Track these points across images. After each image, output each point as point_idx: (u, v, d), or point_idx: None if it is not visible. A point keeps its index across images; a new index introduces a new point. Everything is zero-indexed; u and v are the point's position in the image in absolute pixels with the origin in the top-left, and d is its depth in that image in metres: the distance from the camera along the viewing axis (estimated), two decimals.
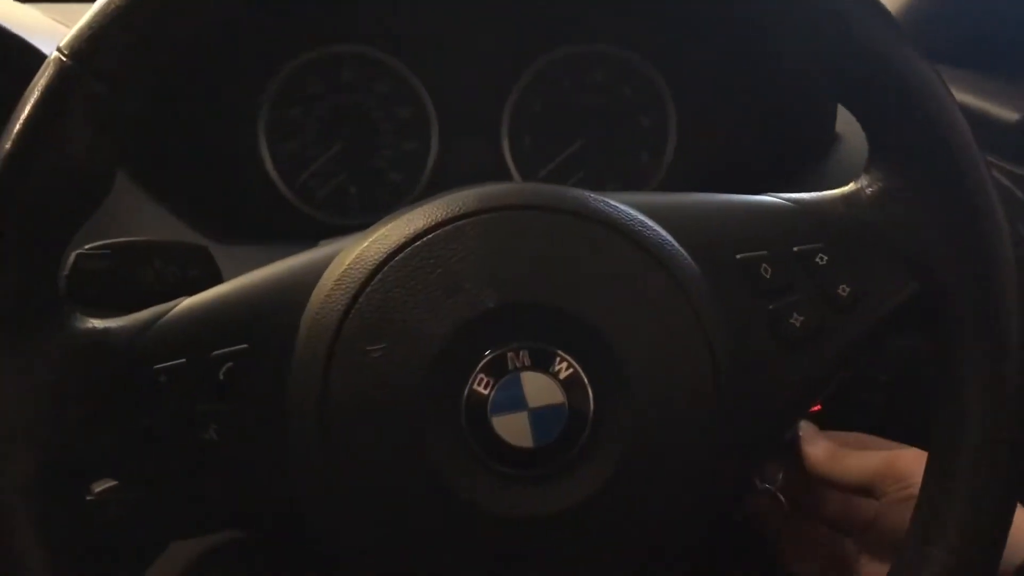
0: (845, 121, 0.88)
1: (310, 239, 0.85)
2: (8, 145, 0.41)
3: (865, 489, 0.61)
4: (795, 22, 0.47)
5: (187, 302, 0.47)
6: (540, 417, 0.42)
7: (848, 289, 0.48)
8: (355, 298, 0.44)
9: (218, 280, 0.61)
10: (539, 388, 0.43)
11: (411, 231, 0.45)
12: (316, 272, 0.47)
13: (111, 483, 0.54)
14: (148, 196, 0.82)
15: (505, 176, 0.96)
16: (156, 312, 0.46)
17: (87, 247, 0.56)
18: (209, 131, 0.91)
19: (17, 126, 0.41)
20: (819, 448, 0.63)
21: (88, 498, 0.54)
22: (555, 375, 0.43)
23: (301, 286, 0.46)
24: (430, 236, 0.44)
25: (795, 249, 0.48)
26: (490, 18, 0.93)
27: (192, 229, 0.81)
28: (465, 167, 0.96)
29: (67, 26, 0.89)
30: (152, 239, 0.58)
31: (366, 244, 0.45)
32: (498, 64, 0.94)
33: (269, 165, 0.92)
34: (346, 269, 0.45)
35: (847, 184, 0.51)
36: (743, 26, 0.80)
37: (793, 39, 0.48)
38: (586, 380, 0.43)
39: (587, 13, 0.93)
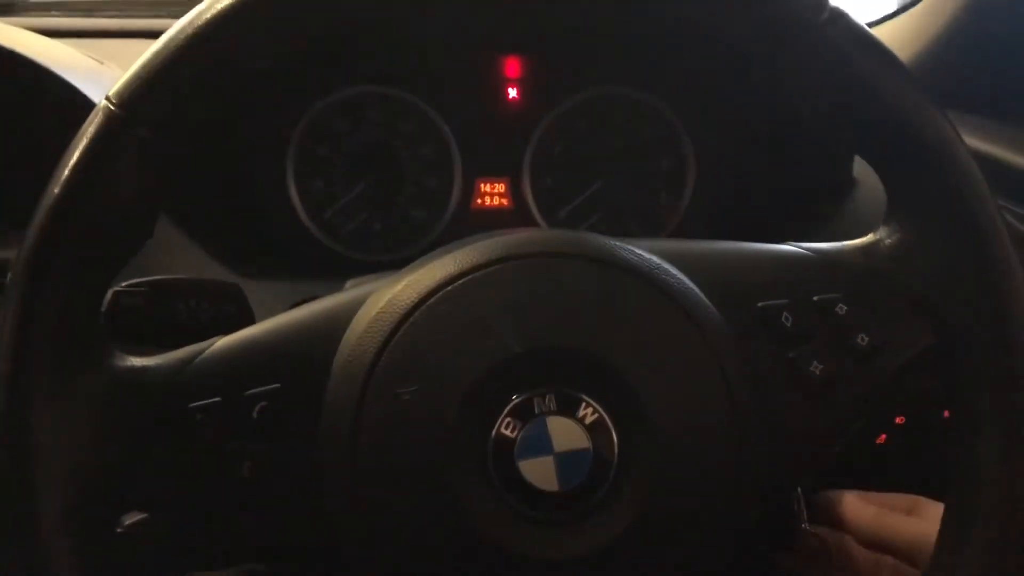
0: (863, 166, 0.90)
1: (335, 275, 0.86)
2: (57, 190, 0.43)
3: (910, 557, 0.60)
4: (812, 75, 0.48)
5: (222, 342, 0.48)
6: (566, 461, 0.44)
7: (867, 339, 0.49)
8: (386, 341, 0.45)
9: (250, 317, 0.62)
10: (565, 433, 0.44)
11: (442, 276, 0.46)
12: (348, 314, 0.48)
13: (140, 516, 0.55)
14: (179, 231, 0.84)
15: (526, 215, 0.97)
16: (192, 351, 0.48)
17: (125, 284, 0.58)
18: (239, 169, 0.93)
19: (66, 172, 0.43)
20: (866, 512, 0.62)
21: (118, 530, 0.55)
22: (580, 420, 0.44)
23: (333, 328, 0.48)
24: (460, 282, 0.46)
25: (815, 298, 0.49)
26: (514, 61, 0.95)
27: (222, 265, 0.83)
28: (487, 206, 0.98)
29: (98, 60, 0.92)
30: (187, 277, 0.59)
31: (398, 288, 0.47)
32: (520, 105, 0.96)
33: (297, 202, 0.94)
34: (378, 313, 0.46)
35: (864, 229, 0.52)
36: (761, 73, 0.81)
37: (811, 92, 0.49)
38: (611, 425, 0.44)
39: (608, 57, 0.94)
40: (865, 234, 0.52)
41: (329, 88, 0.93)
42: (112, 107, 0.43)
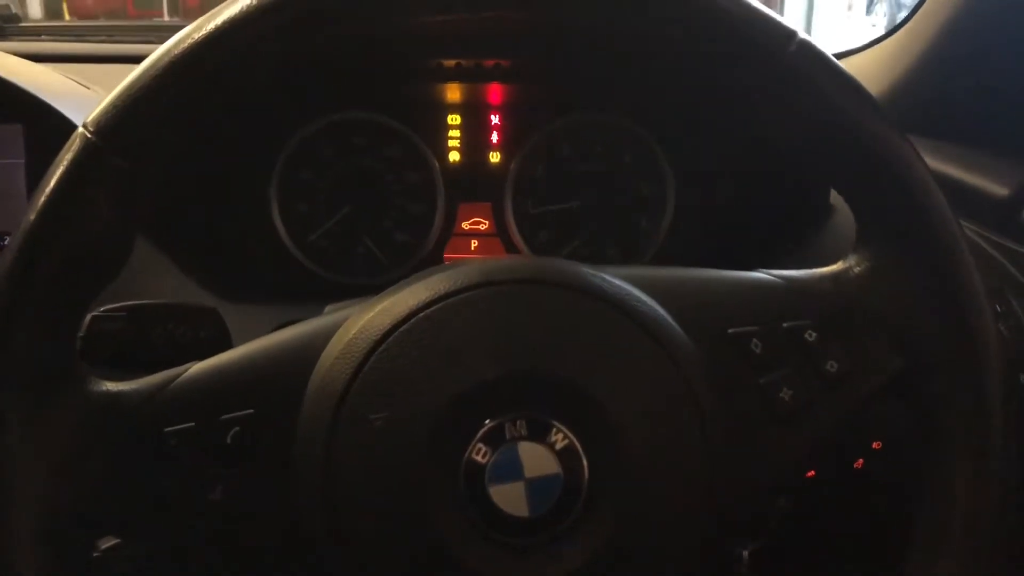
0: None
1: (318, 299, 0.87)
2: (32, 216, 0.43)
3: None
4: (782, 104, 0.49)
5: (197, 367, 0.49)
6: (536, 487, 0.44)
7: (836, 365, 0.49)
8: (359, 367, 0.45)
9: (228, 342, 0.63)
10: (536, 458, 0.44)
11: (415, 303, 0.47)
12: (322, 339, 0.49)
13: (116, 540, 0.55)
14: (160, 254, 0.84)
15: (508, 239, 0.98)
16: (167, 376, 0.48)
17: (102, 309, 0.58)
18: (221, 192, 0.94)
19: (42, 198, 0.43)
20: None
21: (94, 554, 0.55)
22: (551, 445, 0.44)
23: (307, 353, 0.48)
24: (433, 308, 0.46)
25: (785, 325, 0.50)
26: (496, 88, 0.96)
27: (203, 288, 0.83)
28: (470, 230, 0.98)
29: (85, 86, 0.92)
30: (165, 302, 0.60)
31: (372, 314, 0.47)
32: (503, 131, 0.97)
33: (279, 226, 0.95)
34: (352, 338, 0.46)
35: (843, 256, 0.53)
36: (739, 102, 0.82)
37: (781, 120, 0.50)
38: (581, 451, 0.45)
39: (590, 84, 0.95)
40: (839, 260, 0.53)
41: (314, 113, 0.94)
42: (89, 135, 0.44)
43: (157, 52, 0.45)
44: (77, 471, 0.46)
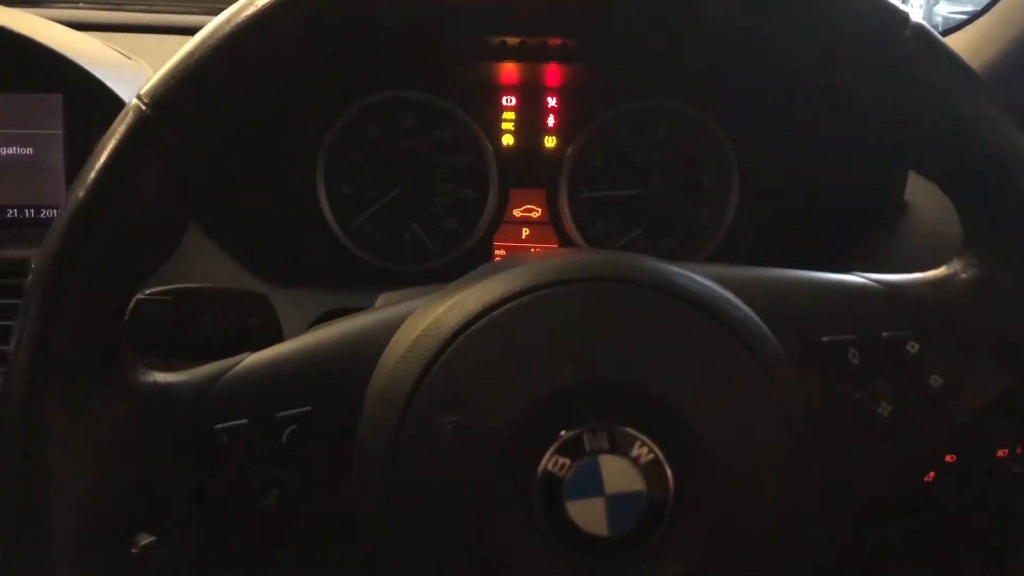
0: (915, 189, 0.86)
1: (364, 285, 0.84)
2: (81, 193, 0.40)
3: None
4: (889, 92, 0.45)
5: (251, 359, 0.45)
6: (617, 504, 0.40)
7: (940, 380, 0.45)
8: (427, 368, 0.42)
9: (277, 330, 0.59)
10: (617, 473, 0.40)
11: (487, 300, 0.43)
12: (384, 334, 0.45)
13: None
14: (204, 236, 0.81)
15: (561, 228, 0.94)
16: (220, 368, 0.45)
17: (148, 292, 0.55)
18: (268, 173, 0.91)
19: (92, 173, 0.40)
20: None
21: (132, 551, 0.52)
22: (635, 460, 0.41)
23: (368, 349, 0.45)
24: (507, 307, 0.43)
25: (884, 335, 0.46)
26: (554, 69, 0.92)
27: (248, 271, 0.80)
28: (521, 217, 0.95)
29: (126, 56, 0.90)
30: (213, 286, 0.57)
31: (441, 310, 0.44)
32: (560, 114, 0.93)
33: (326, 208, 0.92)
34: (419, 336, 0.43)
35: (917, 256, 0.49)
36: (820, 91, 0.78)
37: (884, 108, 0.46)
38: (666, 466, 0.41)
39: (653, 68, 0.91)
40: (917, 261, 0.50)
41: (363, 92, 0.91)
42: (143, 107, 0.41)
43: (215, 22, 0.42)
44: (121, 467, 0.43)
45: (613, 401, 0.41)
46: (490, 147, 0.93)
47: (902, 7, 0.44)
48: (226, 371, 0.45)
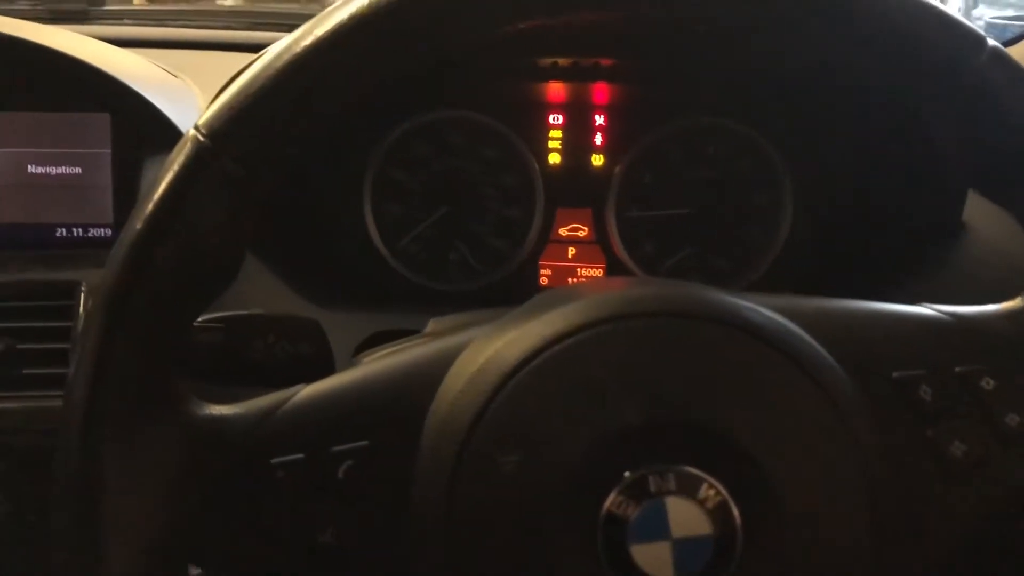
0: (974, 211, 0.84)
1: (411, 304, 0.83)
2: (139, 225, 0.40)
3: None
4: (962, 114, 0.44)
5: (306, 392, 0.45)
6: (684, 548, 0.39)
7: (1018, 419, 0.44)
8: (487, 403, 0.41)
9: (329, 356, 0.59)
10: (684, 516, 0.39)
11: (549, 333, 0.42)
12: (440, 366, 0.44)
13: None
14: (251, 256, 0.81)
15: (608, 247, 0.93)
16: (275, 400, 0.44)
17: (200, 319, 0.54)
18: (314, 193, 0.90)
19: (151, 204, 0.40)
20: None
21: None
22: (702, 502, 0.39)
23: (425, 381, 0.44)
24: (569, 341, 0.41)
25: (957, 370, 0.44)
26: (602, 88, 0.91)
27: (295, 293, 0.80)
28: (568, 237, 0.94)
29: (171, 73, 0.90)
30: (265, 313, 0.56)
31: (500, 344, 0.43)
32: (608, 133, 0.92)
33: (372, 228, 0.91)
34: (477, 370, 0.42)
35: (976, 281, 0.47)
36: (880, 111, 0.77)
37: (955, 130, 0.45)
38: (734, 508, 0.39)
39: (704, 86, 0.90)
40: (975, 286, 0.48)
41: (411, 112, 0.90)
42: (202, 138, 0.40)
43: (273, 51, 0.41)
44: (175, 497, 0.42)
45: (679, 441, 0.40)
46: (537, 166, 0.92)
47: (978, 31, 0.43)
48: (282, 403, 0.44)
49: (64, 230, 0.85)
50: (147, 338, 0.41)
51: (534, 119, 0.92)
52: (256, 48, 1.05)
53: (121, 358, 0.40)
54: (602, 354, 0.41)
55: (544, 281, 0.95)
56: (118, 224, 0.83)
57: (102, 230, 0.84)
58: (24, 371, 0.70)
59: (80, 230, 0.85)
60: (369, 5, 0.40)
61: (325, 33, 0.40)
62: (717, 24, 0.44)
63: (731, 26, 0.44)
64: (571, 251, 0.94)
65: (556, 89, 0.90)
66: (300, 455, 0.43)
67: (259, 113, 0.40)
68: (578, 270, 0.95)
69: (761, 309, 0.44)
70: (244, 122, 0.40)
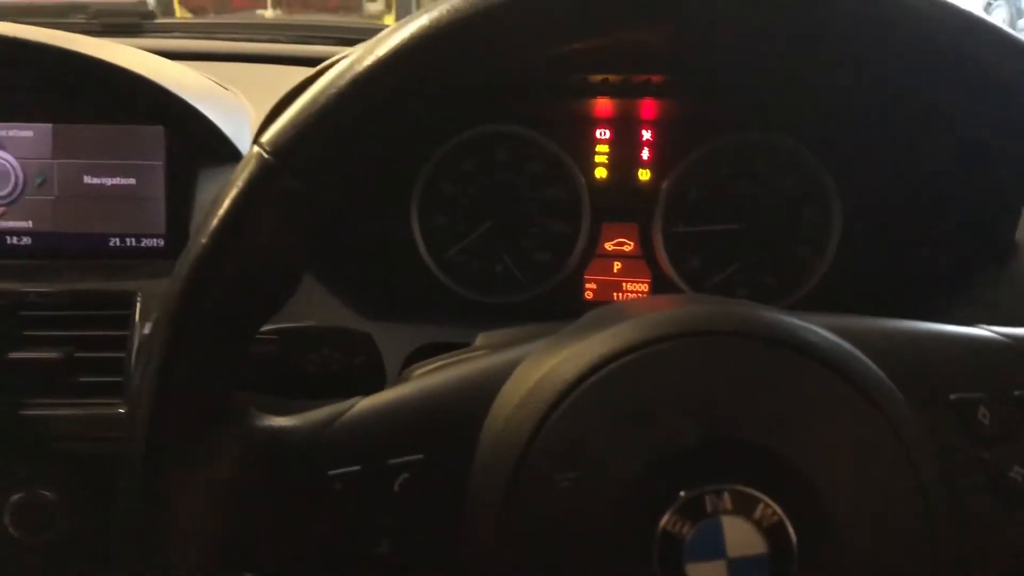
0: None
1: (457, 316, 0.84)
2: (204, 239, 0.41)
3: None
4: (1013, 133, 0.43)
5: (362, 405, 0.45)
6: (740, 568, 0.39)
7: None
8: (543, 420, 0.41)
9: (381, 369, 0.59)
10: (740, 535, 0.39)
11: (604, 351, 0.42)
12: (495, 382, 0.45)
13: None
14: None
15: (654, 262, 0.93)
16: (332, 412, 0.45)
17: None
18: (364, 207, 0.91)
19: (216, 220, 0.41)
20: None
21: None
22: (758, 522, 0.39)
23: (479, 395, 0.44)
24: (624, 360, 0.42)
25: (1016, 393, 0.44)
26: (649, 104, 0.91)
27: (344, 305, 0.81)
28: (613, 251, 0.94)
29: (221, 86, 0.91)
30: (319, 325, 0.57)
31: (555, 361, 0.43)
32: (655, 149, 0.92)
33: (419, 240, 0.92)
34: (533, 387, 0.42)
35: None
36: (934, 128, 0.76)
37: (1013, 148, 0.44)
38: (790, 529, 0.39)
39: (753, 101, 0.90)
40: None
41: (459, 126, 0.91)
42: (266, 155, 0.41)
43: (337, 70, 0.42)
44: (234, 506, 0.43)
45: (736, 461, 0.40)
46: (583, 180, 0.92)
47: None
48: (339, 416, 0.45)
49: (117, 240, 0.86)
50: (211, 351, 0.42)
51: (582, 134, 0.93)
52: (302, 61, 1.07)
53: (185, 371, 0.41)
54: (659, 374, 0.41)
55: (589, 295, 0.95)
56: (171, 235, 0.84)
57: (155, 240, 0.85)
58: (82, 379, 0.71)
59: (133, 240, 0.86)
60: (428, 26, 0.41)
61: (386, 53, 0.41)
62: (776, 40, 0.44)
63: (788, 41, 0.44)
64: (616, 265, 0.94)
65: (603, 104, 0.91)
66: (357, 467, 0.43)
67: (322, 131, 0.41)
68: (623, 284, 0.95)
69: (817, 328, 0.44)
70: (308, 139, 0.41)
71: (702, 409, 0.41)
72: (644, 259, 0.94)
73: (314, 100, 0.41)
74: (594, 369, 0.42)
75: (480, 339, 0.53)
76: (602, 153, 0.93)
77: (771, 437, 0.40)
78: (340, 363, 0.56)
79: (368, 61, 0.41)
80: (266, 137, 0.42)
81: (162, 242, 0.85)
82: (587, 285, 0.95)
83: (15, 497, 0.66)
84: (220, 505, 0.42)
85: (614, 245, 0.94)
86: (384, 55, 0.41)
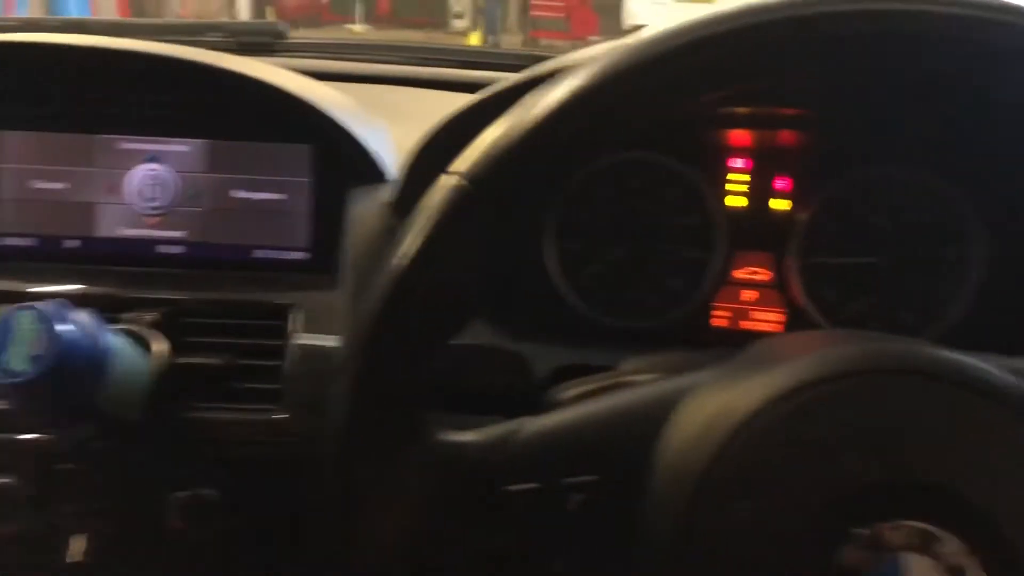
0: None
1: (587, 340, 0.84)
2: (404, 262, 0.43)
3: None
4: None
5: (536, 424, 0.47)
6: None
7: None
8: (720, 450, 0.42)
9: (533, 389, 0.61)
10: (922, 572, 0.39)
11: (781, 385, 0.43)
12: (663, 409, 0.46)
13: None
14: None
15: (789, 292, 0.93)
16: (507, 430, 0.47)
17: None
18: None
19: (416, 244, 0.43)
20: None
21: None
22: (941, 559, 0.39)
23: (650, 422, 0.46)
24: (802, 397, 0.42)
25: None
26: (788, 134, 0.91)
27: (484, 324, 0.82)
28: (747, 279, 0.94)
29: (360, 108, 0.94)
30: (481, 344, 0.59)
31: (733, 394, 0.44)
32: (792, 179, 0.92)
33: (553, 263, 0.93)
34: (710, 416, 0.43)
35: None
36: None
37: None
38: (974, 568, 0.39)
39: (892, 134, 0.89)
40: None
41: (599, 152, 0.92)
42: (465, 183, 0.43)
43: (526, 104, 0.44)
44: (418, 518, 0.45)
45: (917, 499, 0.40)
46: (719, 208, 0.93)
47: None
48: (514, 434, 0.46)
49: (262, 252, 0.90)
50: (404, 369, 0.44)
51: (718, 162, 0.93)
52: (429, 84, 1.10)
53: (380, 388, 0.43)
54: (834, 412, 0.42)
55: (718, 323, 0.95)
56: (315, 249, 0.87)
57: (299, 254, 0.89)
58: (243, 385, 0.74)
59: (277, 252, 0.89)
60: (628, 60, 0.42)
61: (580, 86, 0.43)
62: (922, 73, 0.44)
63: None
64: (749, 295, 0.94)
65: (741, 134, 0.91)
66: (534, 485, 0.45)
67: (517, 161, 0.43)
68: (754, 314, 0.94)
69: (993, 370, 0.44)
70: (503, 169, 0.43)
71: (880, 450, 0.41)
72: (777, 289, 0.93)
73: (507, 132, 0.43)
74: (771, 403, 0.42)
75: (628, 365, 0.54)
76: (738, 182, 0.93)
77: (955, 477, 0.41)
78: (497, 383, 0.58)
79: (558, 95, 0.43)
80: (464, 167, 0.44)
81: (307, 256, 0.88)
82: (717, 313, 0.95)
83: (181, 495, 0.70)
84: (406, 515, 0.44)
85: (746, 274, 0.94)
86: (576, 89, 0.43)
